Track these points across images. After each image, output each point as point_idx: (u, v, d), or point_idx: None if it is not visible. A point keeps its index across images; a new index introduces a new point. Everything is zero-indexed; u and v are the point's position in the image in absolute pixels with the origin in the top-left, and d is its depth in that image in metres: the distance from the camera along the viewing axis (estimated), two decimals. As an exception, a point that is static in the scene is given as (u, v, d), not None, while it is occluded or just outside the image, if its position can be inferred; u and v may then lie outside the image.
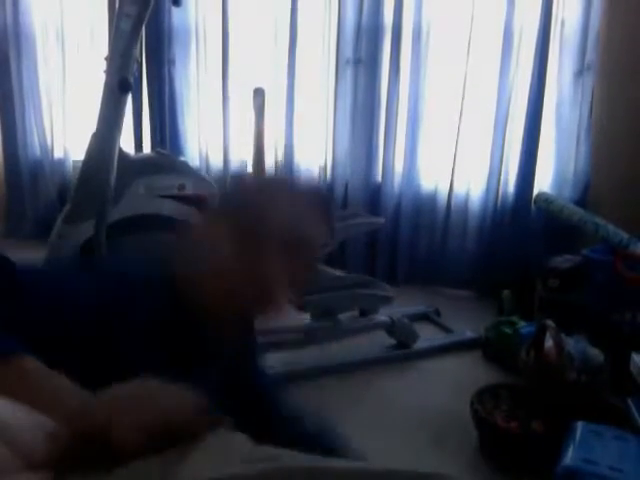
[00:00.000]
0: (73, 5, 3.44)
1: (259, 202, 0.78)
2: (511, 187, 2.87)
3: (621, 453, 1.37)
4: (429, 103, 2.93)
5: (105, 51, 2.54)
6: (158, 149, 2.78)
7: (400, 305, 2.44)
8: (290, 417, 0.98)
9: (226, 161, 3.20)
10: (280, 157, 3.11)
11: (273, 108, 2.95)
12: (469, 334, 2.39)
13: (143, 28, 2.46)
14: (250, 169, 2.67)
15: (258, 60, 3.11)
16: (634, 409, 1.58)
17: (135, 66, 2.53)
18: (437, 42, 2.88)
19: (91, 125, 2.27)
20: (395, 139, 2.97)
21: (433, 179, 3.00)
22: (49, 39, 3.51)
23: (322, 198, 0.86)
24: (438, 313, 2.65)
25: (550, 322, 1.69)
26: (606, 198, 2.56)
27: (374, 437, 1.70)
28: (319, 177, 3.10)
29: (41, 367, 0.59)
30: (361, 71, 2.96)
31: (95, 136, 2.26)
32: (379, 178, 3.04)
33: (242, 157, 3.18)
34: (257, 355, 1.04)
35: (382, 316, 2.29)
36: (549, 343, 1.71)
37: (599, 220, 2.17)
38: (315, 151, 3.11)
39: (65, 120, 3.58)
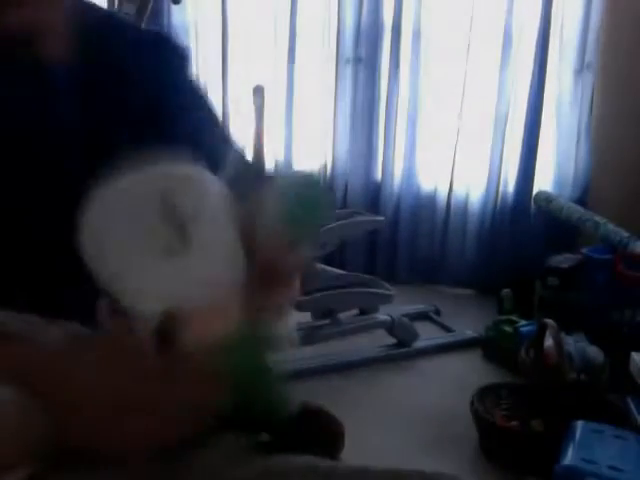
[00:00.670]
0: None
1: None
2: (511, 186, 2.87)
3: (621, 452, 1.37)
4: (429, 102, 2.93)
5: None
6: (158, 148, 2.77)
7: (400, 304, 2.44)
8: None
9: (226, 160, 3.19)
10: (279, 156, 3.11)
11: (273, 106, 2.94)
12: (469, 333, 2.39)
13: (142, 26, 2.47)
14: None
15: (258, 58, 3.10)
16: (634, 408, 1.59)
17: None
18: (437, 41, 2.87)
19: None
20: (395, 138, 2.97)
21: (433, 178, 3.00)
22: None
23: None
24: (438, 312, 2.65)
25: (550, 321, 1.69)
26: (606, 197, 2.56)
27: (374, 436, 1.70)
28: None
29: None
30: (361, 70, 2.96)
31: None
32: (379, 177, 3.03)
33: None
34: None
35: (382, 315, 2.29)
36: (549, 342, 1.71)
37: (599, 219, 2.17)
38: (314, 150, 3.11)
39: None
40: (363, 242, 3.03)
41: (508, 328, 2.18)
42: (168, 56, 0.72)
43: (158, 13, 3.02)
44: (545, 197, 2.38)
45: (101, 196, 0.43)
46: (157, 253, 0.39)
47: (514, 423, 1.60)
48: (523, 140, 2.80)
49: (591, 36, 2.67)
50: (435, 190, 3.00)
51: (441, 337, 2.43)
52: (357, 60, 2.96)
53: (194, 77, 0.75)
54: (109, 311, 0.43)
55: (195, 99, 0.73)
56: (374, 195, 3.04)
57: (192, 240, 0.39)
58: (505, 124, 2.82)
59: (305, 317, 2.26)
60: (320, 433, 0.55)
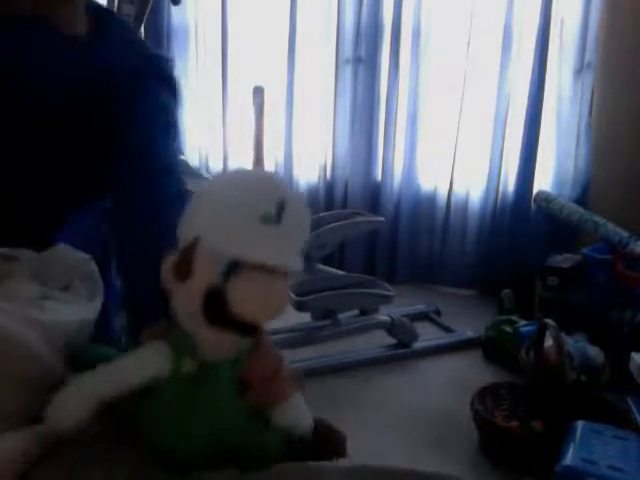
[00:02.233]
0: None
1: None
2: (511, 186, 2.87)
3: (621, 452, 1.37)
4: (428, 102, 2.92)
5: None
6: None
7: (400, 304, 2.44)
8: None
9: (225, 159, 3.19)
10: (280, 156, 3.11)
11: (273, 106, 2.94)
12: (469, 333, 2.39)
13: (142, 27, 2.47)
14: (250, 167, 2.67)
15: (258, 58, 3.10)
16: (634, 408, 1.58)
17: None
18: (437, 40, 2.87)
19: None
20: (395, 138, 2.97)
21: (433, 178, 3.00)
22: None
23: None
24: (438, 312, 2.65)
25: (550, 321, 1.69)
26: (606, 197, 2.56)
27: (374, 436, 1.70)
28: (319, 176, 3.10)
29: None
30: (361, 70, 2.96)
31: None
32: (379, 177, 3.03)
33: (241, 155, 3.18)
34: None
35: (382, 315, 2.29)
36: (549, 342, 1.71)
37: (599, 219, 2.17)
38: (315, 150, 3.10)
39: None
40: (363, 242, 3.03)
41: (508, 328, 2.18)
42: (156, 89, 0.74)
43: (158, 13, 3.03)
44: (545, 197, 2.38)
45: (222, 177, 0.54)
46: (255, 218, 0.45)
47: (514, 423, 1.60)
48: (523, 140, 2.80)
49: (591, 35, 2.66)
50: (435, 190, 3.00)
51: (441, 337, 2.43)
52: (357, 60, 2.96)
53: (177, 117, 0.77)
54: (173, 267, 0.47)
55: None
56: (374, 195, 3.04)
57: (284, 219, 0.46)
58: (505, 123, 2.82)
59: (305, 317, 2.26)
60: (321, 446, 0.56)
